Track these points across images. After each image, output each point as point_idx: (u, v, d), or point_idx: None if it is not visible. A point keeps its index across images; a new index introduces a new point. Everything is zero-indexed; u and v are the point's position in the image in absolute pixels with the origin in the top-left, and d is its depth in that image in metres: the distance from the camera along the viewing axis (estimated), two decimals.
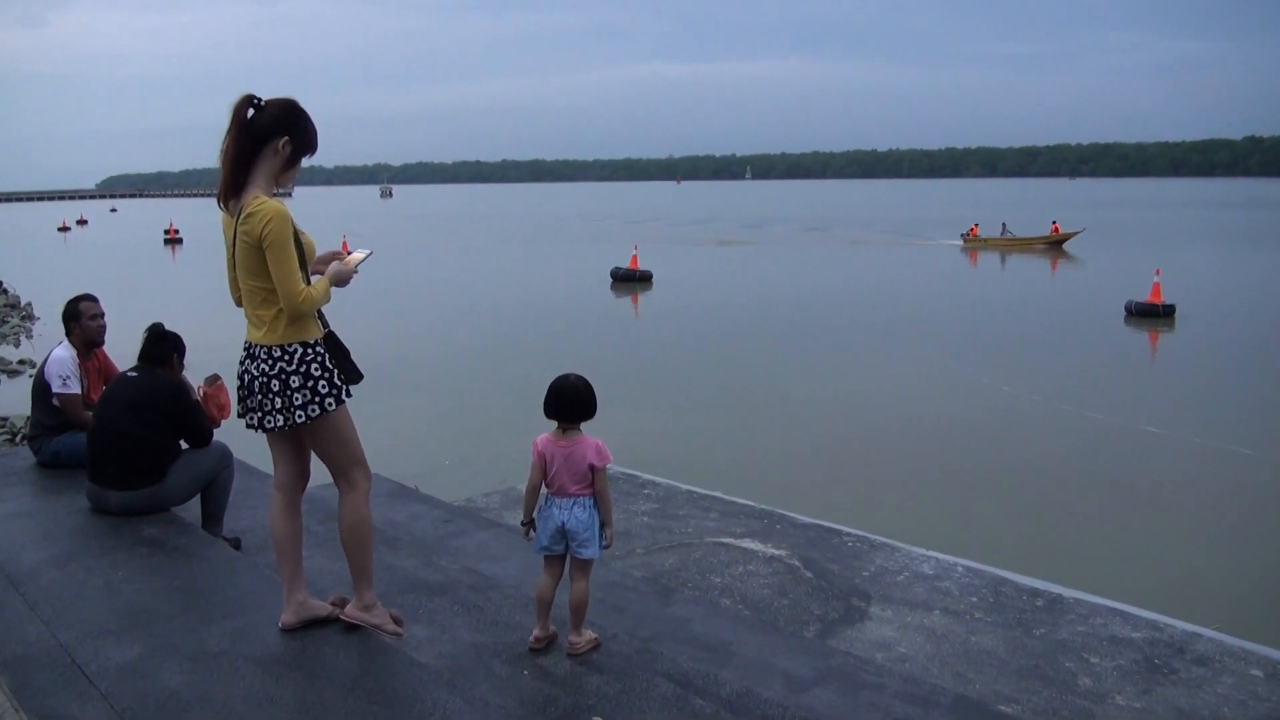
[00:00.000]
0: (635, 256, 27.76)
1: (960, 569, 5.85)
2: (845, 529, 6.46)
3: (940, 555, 6.09)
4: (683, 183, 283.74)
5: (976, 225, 41.69)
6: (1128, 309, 20.15)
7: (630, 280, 26.30)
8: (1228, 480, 9.50)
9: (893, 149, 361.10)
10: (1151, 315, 19.68)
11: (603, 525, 3.73)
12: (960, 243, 39.79)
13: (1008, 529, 8.05)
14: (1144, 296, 20.27)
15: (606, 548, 3.76)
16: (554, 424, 3.79)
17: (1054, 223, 41.44)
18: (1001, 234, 39.39)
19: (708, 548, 6.00)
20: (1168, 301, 19.94)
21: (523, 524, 3.79)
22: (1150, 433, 11.12)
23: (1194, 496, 9.05)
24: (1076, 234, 39.08)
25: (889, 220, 60.06)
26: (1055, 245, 38.05)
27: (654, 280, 26.42)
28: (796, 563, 5.78)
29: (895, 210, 76.76)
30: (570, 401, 3.71)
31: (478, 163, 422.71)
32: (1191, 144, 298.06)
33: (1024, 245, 38.28)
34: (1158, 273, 20.70)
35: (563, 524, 3.71)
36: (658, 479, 7.56)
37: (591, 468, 3.69)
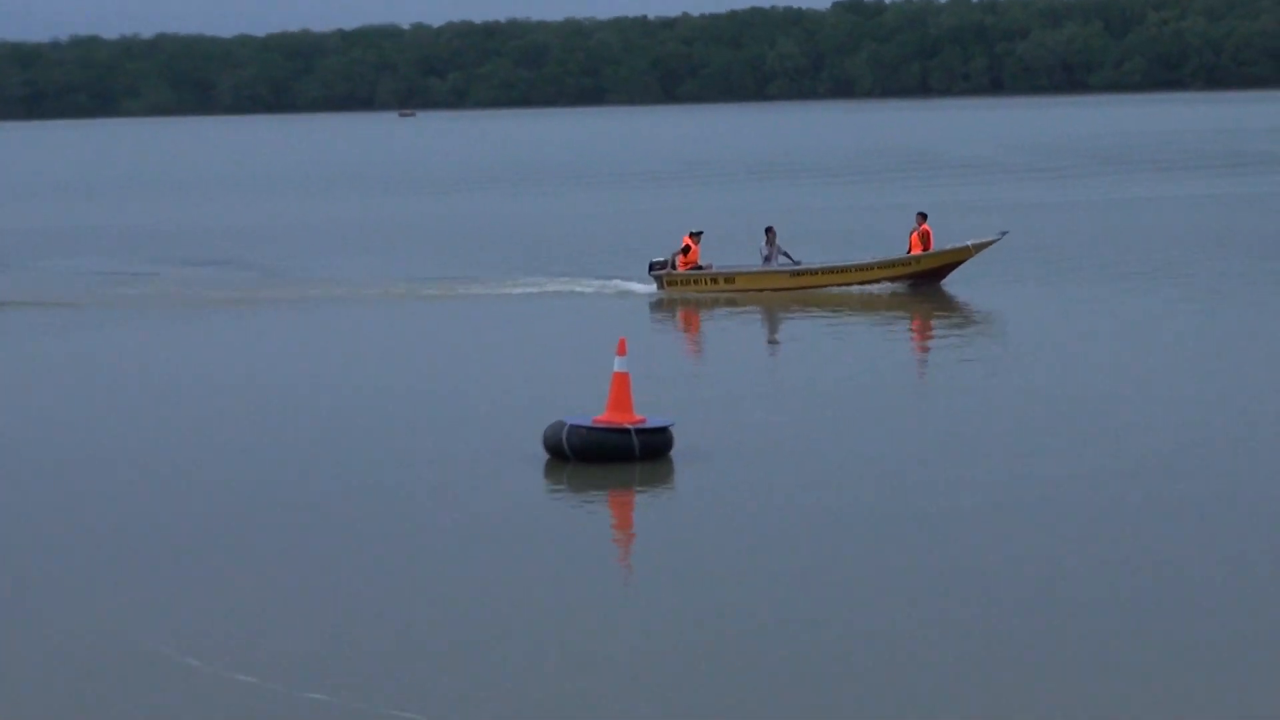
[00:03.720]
0: None
1: None
2: None
3: None
4: None
5: (693, 238, 40.07)
6: (551, 443, 20.98)
7: None
8: None
9: None
10: (600, 455, 20.51)
11: None
12: (656, 289, 39.48)
13: None
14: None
15: None
16: None
17: (919, 219, 40.33)
18: (768, 255, 39.20)
19: None
20: (655, 421, 21.02)
21: None
22: None
23: None
24: (987, 244, 39.76)
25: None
26: (927, 276, 39.18)
27: None
28: None
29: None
30: None
31: None
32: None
33: (825, 280, 38.82)
34: (622, 348, 21.11)
35: None
36: None
37: None
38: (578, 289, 41.08)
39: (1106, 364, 28.44)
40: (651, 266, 39.11)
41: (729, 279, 38.83)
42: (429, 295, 41.17)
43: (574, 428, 20.44)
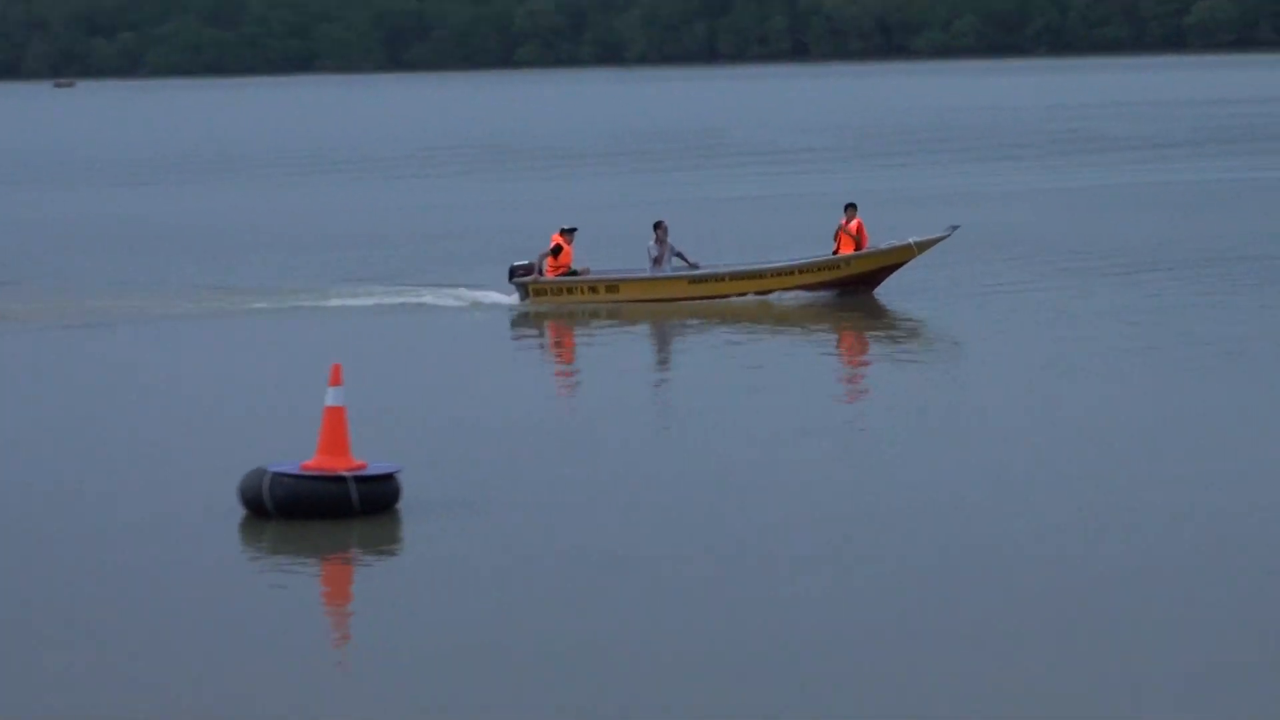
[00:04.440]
0: None
1: None
2: None
3: None
4: None
5: (565, 235, 39.97)
6: (249, 495, 20.96)
7: None
8: None
9: None
10: (310, 509, 20.63)
11: None
12: (519, 299, 39.66)
13: None
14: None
15: None
16: None
17: (848, 211, 40.38)
18: (659, 256, 38.96)
19: None
20: (378, 467, 20.99)
21: None
22: None
23: None
24: (934, 242, 40.20)
25: None
26: (859, 281, 39.51)
27: None
28: None
29: None
30: None
31: None
32: None
33: (732, 287, 38.71)
34: (335, 376, 21.28)
35: None
36: None
37: None
38: (419, 299, 40.88)
39: (1071, 407, 28.26)
40: (513, 272, 38.92)
41: (611, 287, 38.75)
42: (242, 310, 40.85)
43: (277, 476, 20.34)
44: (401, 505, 20.71)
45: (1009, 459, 24.09)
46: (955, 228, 40.28)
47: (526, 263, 38.99)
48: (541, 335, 38.22)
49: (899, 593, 17.66)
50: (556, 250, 38.88)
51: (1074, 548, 19.30)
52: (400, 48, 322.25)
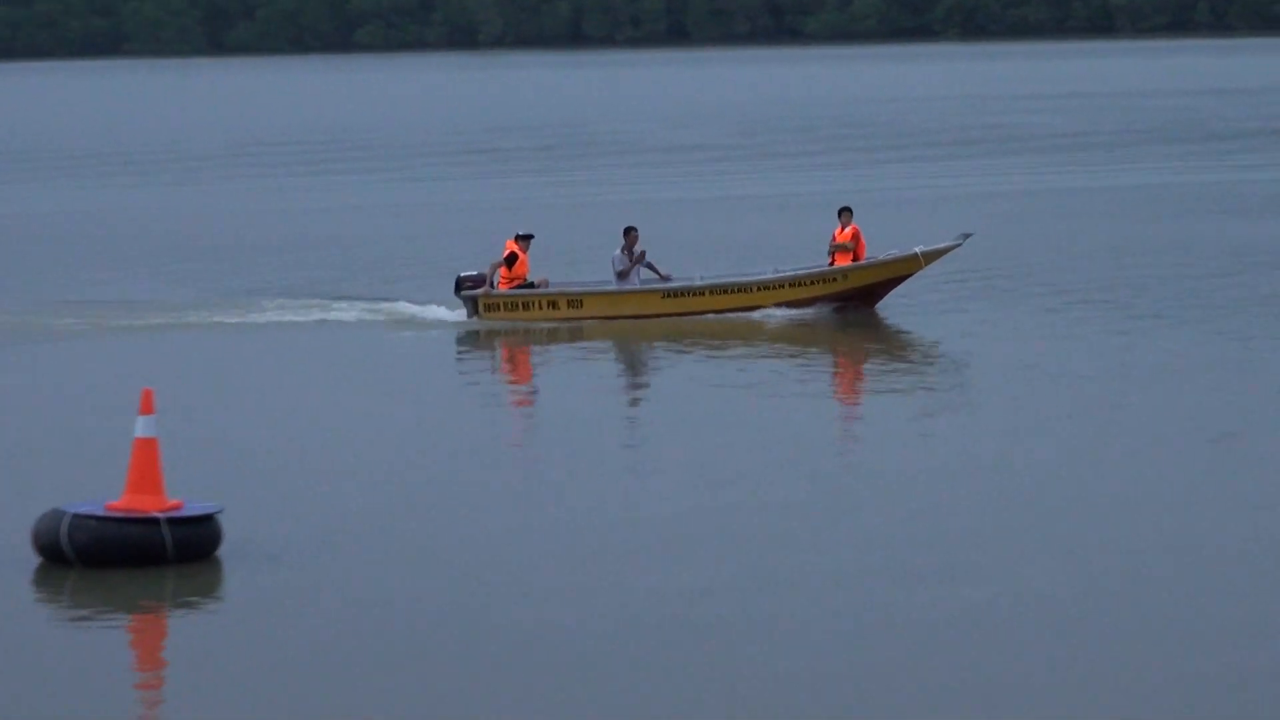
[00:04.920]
0: None
1: None
2: None
3: None
4: None
5: (519, 242, 39.89)
6: (44, 541, 20.71)
7: None
8: None
9: None
10: (116, 556, 20.42)
11: None
12: (467, 315, 39.73)
13: None
14: None
15: None
16: None
17: (843, 216, 40.85)
18: (626, 268, 39.01)
19: None
20: (195, 507, 20.82)
21: None
22: None
23: None
24: (943, 251, 40.70)
25: None
26: (858, 296, 39.53)
27: None
28: None
29: None
30: None
31: None
32: None
33: (713, 302, 38.80)
34: (147, 403, 21.23)
35: None
36: None
37: None
38: (344, 316, 40.95)
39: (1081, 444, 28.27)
40: (460, 283, 38.96)
41: (574, 302, 38.99)
42: (150, 326, 40.70)
43: (78, 518, 20.17)
44: (223, 551, 20.61)
45: (1007, 513, 23.87)
46: (968, 235, 40.71)
47: (476, 273, 39.06)
48: (492, 356, 38.69)
49: (855, 662, 17.53)
50: (511, 259, 38.91)
51: (1069, 596, 19.38)
52: (221, 28, 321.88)
